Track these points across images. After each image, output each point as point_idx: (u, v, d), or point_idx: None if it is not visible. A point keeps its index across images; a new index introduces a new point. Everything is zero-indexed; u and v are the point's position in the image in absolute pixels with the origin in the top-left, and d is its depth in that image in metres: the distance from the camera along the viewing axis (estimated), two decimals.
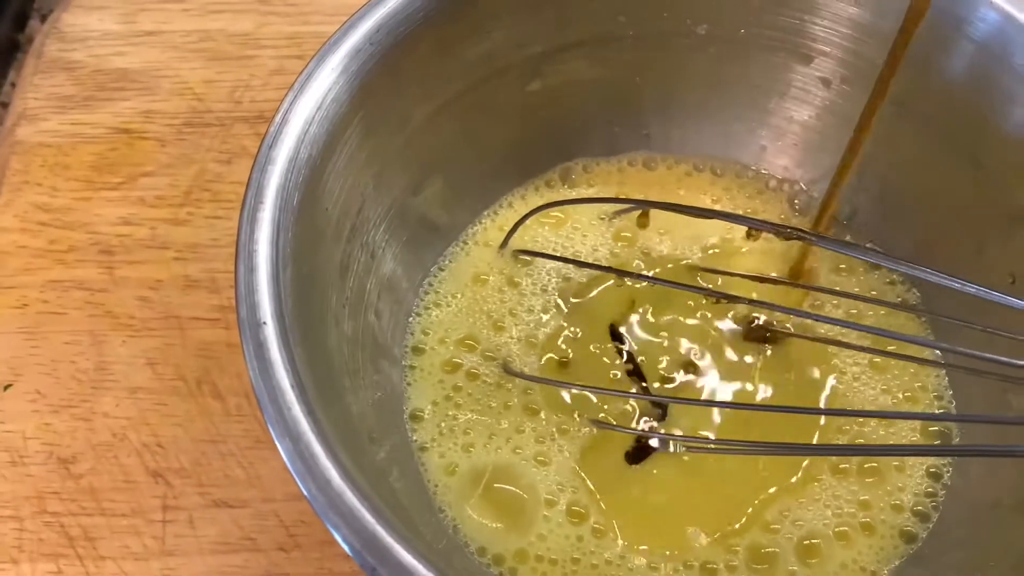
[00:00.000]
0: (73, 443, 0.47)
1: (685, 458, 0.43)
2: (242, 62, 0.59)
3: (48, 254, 0.52)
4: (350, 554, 0.30)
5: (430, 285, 0.48)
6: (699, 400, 0.44)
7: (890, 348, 0.44)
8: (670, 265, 0.49)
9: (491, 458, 0.43)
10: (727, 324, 0.47)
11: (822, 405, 0.44)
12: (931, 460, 0.42)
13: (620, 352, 0.46)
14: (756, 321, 0.46)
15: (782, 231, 0.38)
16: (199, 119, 0.57)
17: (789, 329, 0.46)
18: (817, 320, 0.45)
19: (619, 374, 0.46)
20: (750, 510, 0.42)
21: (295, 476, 0.31)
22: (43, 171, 0.55)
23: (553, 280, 0.48)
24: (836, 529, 0.42)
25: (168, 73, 0.58)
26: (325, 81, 0.38)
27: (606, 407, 0.44)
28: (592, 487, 0.43)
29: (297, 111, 0.37)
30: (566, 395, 0.45)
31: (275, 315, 0.33)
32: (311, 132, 0.37)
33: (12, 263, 0.52)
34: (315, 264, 0.38)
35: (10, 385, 0.49)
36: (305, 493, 0.30)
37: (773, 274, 0.48)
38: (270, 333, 0.33)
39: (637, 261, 0.49)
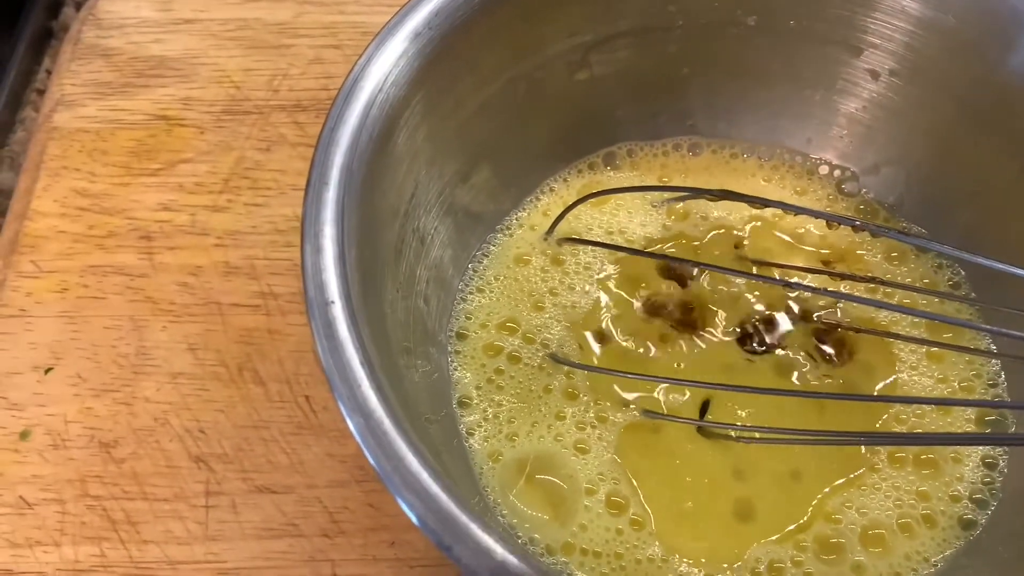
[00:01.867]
0: (115, 427, 0.47)
1: (732, 447, 0.43)
2: (280, 51, 0.59)
3: (87, 239, 0.52)
4: (425, 532, 0.30)
5: (473, 271, 0.47)
6: (745, 387, 0.44)
7: (945, 336, 0.44)
8: (733, 230, 0.48)
9: (533, 446, 0.43)
10: (778, 309, 0.47)
11: (878, 393, 0.44)
12: (986, 449, 0.42)
13: (664, 330, 0.46)
14: (815, 315, 0.46)
15: (839, 222, 0.38)
16: (237, 107, 0.57)
17: (846, 321, 0.46)
18: (871, 305, 0.44)
19: (661, 354, 0.45)
20: (814, 502, 0.42)
21: (367, 453, 0.31)
22: (81, 156, 0.55)
23: (599, 256, 0.48)
24: (899, 521, 0.42)
25: (206, 61, 0.58)
26: (386, 63, 0.38)
27: (645, 393, 0.44)
28: (631, 476, 0.42)
29: (359, 93, 0.37)
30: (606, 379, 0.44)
31: (342, 294, 0.33)
32: (372, 114, 0.37)
33: (52, 248, 0.52)
34: (375, 247, 0.38)
35: (51, 369, 0.48)
36: (378, 470, 0.30)
37: (829, 256, 0.48)
38: (338, 312, 0.33)
39: (694, 228, 0.49)
